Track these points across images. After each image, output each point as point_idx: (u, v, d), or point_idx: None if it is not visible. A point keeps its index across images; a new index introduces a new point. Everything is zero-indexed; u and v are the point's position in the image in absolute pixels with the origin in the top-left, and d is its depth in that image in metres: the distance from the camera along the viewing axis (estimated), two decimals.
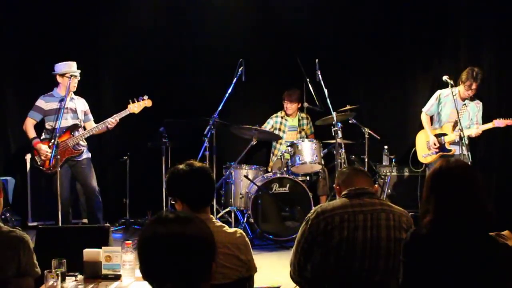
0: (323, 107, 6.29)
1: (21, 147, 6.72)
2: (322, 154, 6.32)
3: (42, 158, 5.51)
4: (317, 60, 6.01)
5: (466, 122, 5.88)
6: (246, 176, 6.17)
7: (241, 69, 6.08)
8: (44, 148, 5.50)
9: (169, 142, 6.21)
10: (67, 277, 2.81)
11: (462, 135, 5.45)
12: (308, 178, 6.44)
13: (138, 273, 2.79)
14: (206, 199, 2.65)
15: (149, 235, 1.62)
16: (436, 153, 5.99)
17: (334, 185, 3.09)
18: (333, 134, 5.97)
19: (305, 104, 6.90)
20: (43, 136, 5.65)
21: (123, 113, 5.68)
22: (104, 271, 2.91)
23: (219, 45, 7.18)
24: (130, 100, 5.71)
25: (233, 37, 7.20)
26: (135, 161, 6.85)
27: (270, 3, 7.17)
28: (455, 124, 5.78)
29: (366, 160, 6.57)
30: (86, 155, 5.77)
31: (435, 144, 5.96)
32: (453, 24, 6.94)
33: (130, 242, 2.98)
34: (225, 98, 6.04)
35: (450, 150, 5.91)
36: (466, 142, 5.86)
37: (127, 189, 6.81)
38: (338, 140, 5.91)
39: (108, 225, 4.05)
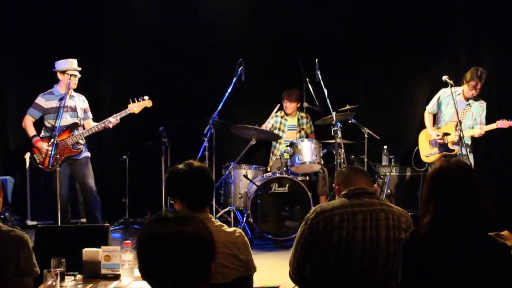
0: (322, 107, 6.30)
1: (20, 146, 6.73)
2: (321, 154, 6.32)
3: (42, 156, 5.50)
4: (316, 60, 6.01)
5: (469, 122, 5.83)
6: (245, 176, 6.17)
7: (240, 69, 6.08)
8: (44, 146, 5.49)
9: (169, 141, 6.21)
10: (66, 277, 2.81)
11: (461, 136, 5.42)
12: (307, 178, 6.44)
13: (137, 273, 2.78)
14: (205, 198, 2.65)
15: (148, 234, 1.62)
16: (439, 152, 5.95)
17: (333, 185, 3.08)
18: (332, 134, 5.97)
19: (305, 104, 6.90)
20: (42, 134, 5.63)
21: (123, 113, 5.67)
22: (103, 271, 2.91)
23: (219, 45, 7.18)
24: (130, 100, 5.70)
25: (233, 37, 7.20)
26: (135, 160, 6.85)
27: (270, 3, 7.16)
28: (458, 123, 5.72)
29: (366, 160, 6.58)
30: (85, 154, 5.76)
31: (438, 136, 5.88)
32: (453, 24, 6.93)
33: (129, 241, 2.98)
34: (224, 98, 6.04)
35: (453, 150, 5.81)
36: (469, 142, 5.84)
37: (126, 188, 6.81)
38: (338, 140, 5.91)
39: (108, 224, 4.05)
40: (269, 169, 6.77)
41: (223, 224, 2.63)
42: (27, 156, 6.43)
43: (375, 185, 6.58)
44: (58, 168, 5.36)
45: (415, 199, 6.27)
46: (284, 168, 6.27)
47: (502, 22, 6.51)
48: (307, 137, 6.82)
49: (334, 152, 6.00)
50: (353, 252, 2.69)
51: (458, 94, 5.80)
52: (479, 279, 2.12)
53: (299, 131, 6.89)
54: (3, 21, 6.75)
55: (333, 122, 5.94)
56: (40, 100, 5.64)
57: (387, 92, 7.30)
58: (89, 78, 6.20)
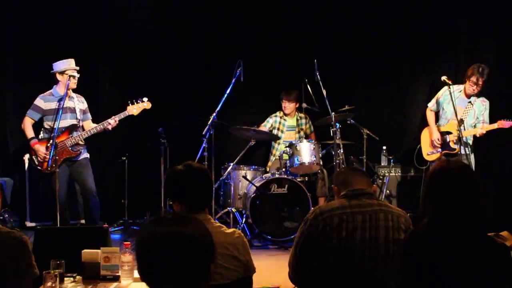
0: (321, 107, 6.30)
1: (19, 148, 6.72)
2: (320, 155, 6.32)
3: (39, 159, 5.50)
4: (315, 60, 6.01)
5: (471, 121, 5.78)
6: (244, 177, 6.17)
7: (239, 69, 6.08)
8: (42, 149, 5.49)
9: (168, 142, 6.21)
10: (65, 278, 2.81)
11: (460, 136, 5.40)
12: (306, 178, 6.44)
13: (136, 274, 2.78)
14: (205, 200, 2.65)
15: (147, 235, 1.62)
16: (441, 150, 5.90)
17: (332, 185, 3.08)
18: (331, 134, 5.98)
19: (304, 105, 6.90)
20: (41, 136, 5.63)
21: (122, 115, 5.67)
22: (102, 272, 2.90)
23: (218, 45, 7.18)
24: (129, 102, 5.70)
25: (232, 37, 7.20)
26: (134, 161, 6.85)
27: (270, 3, 7.16)
28: (460, 122, 5.70)
29: (365, 160, 6.58)
30: (84, 155, 5.75)
31: (438, 140, 5.86)
32: (453, 24, 6.94)
33: (129, 242, 2.98)
34: (223, 99, 6.05)
35: (454, 149, 5.76)
36: (470, 142, 5.82)
37: (125, 189, 6.81)
38: (337, 141, 5.91)
39: (107, 225, 4.04)
40: (268, 169, 6.78)
41: (222, 225, 2.63)
42: (26, 157, 6.43)
43: (374, 185, 6.59)
44: (57, 170, 5.35)
45: (414, 199, 6.27)
46: (283, 169, 6.27)
47: (502, 22, 6.51)
48: (307, 137, 6.83)
49: (333, 153, 6.00)
50: (352, 252, 2.69)
51: (460, 91, 5.77)
52: (478, 280, 2.12)
53: (298, 132, 6.90)
54: (2, 22, 6.74)
55: (332, 123, 5.94)
56: (39, 102, 5.63)
57: (386, 92, 7.31)
58: (88, 78, 6.20)
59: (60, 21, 6.85)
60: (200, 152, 6.01)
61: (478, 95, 5.79)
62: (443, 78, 5.57)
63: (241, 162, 6.45)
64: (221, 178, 6.38)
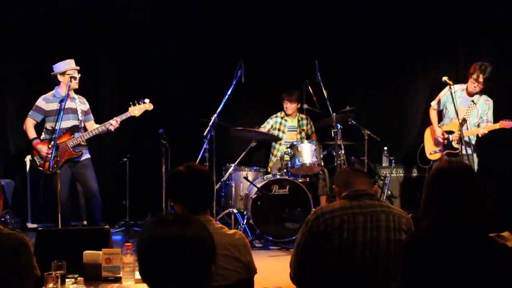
0: (322, 108, 6.30)
1: (20, 149, 6.73)
2: (321, 156, 6.31)
3: (42, 158, 5.50)
4: (316, 61, 6.01)
5: (475, 120, 5.74)
6: (245, 178, 6.17)
7: (240, 70, 6.08)
8: (44, 149, 5.50)
9: (169, 143, 6.21)
10: (67, 279, 2.81)
11: (462, 136, 5.38)
12: (308, 179, 6.44)
13: (138, 275, 2.78)
14: (206, 201, 2.65)
15: (148, 237, 1.62)
16: (443, 150, 5.89)
17: (333, 186, 3.08)
18: (332, 135, 5.98)
19: (305, 106, 6.90)
20: (43, 136, 5.64)
21: (124, 116, 5.68)
22: (104, 273, 2.91)
23: (219, 46, 7.18)
24: (130, 103, 5.71)
25: (233, 38, 7.20)
26: (135, 163, 6.85)
27: (270, 4, 7.17)
28: (463, 121, 5.70)
29: (366, 161, 6.57)
30: (86, 156, 5.76)
31: (442, 135, 5.82)
32: (453, 24, 6.94)
33: (130, 244, 2.97)
34: (224, 100, 6.05)
35: (457, 148, 5.73)
36: (473, 141, 5.80)
37: (126, 191, 6.81)
38: (338, 141, 5.91)
39: (108, 227, 4.04)
40: (269, 170, 6.78)
41: (224, 226, 2.64)
42: (28, 158, 6.44)
43: (375, 186, 6.58)
44: (59, 171, 5.35)
45: (415, 200, 6.26)
46: (284, 170, 6.27)
47: (502, 22, 6.51)
48: (308, 138, 6.82)
49: (334, 154, 6.00)
50: (353, 253, 2.69)
51: (462, 90, 5.76)
52: (479, 280, 2.12)
53: (300, 132, 6.90)
54: (2, 23, 6.75)
55: (333, 124, 5.94)
56: (41, 103, 5.64)
57: (387, 93, 7.31)
58: (89, 78, 6.20)
59: (61, 22, 6.86)
60: (201, 153, 6.01)
61: (480, 93, 5.74)
62: (444, 78, 5.56)
63: (242, 163, 6.45)
64: (222, 179, 6.38)
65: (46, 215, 6.23)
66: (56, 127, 5.40)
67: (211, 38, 7.19)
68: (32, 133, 5.61)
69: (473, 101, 5.76)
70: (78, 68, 5.64)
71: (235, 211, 6.19)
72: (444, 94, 5.91)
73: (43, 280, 2.63)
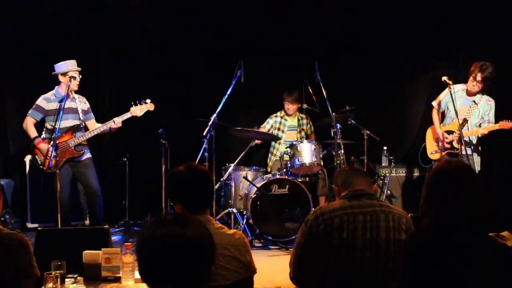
0: (322, 108, 6.30)
1: (20, 149, 6.73)
2: (321, 155, 6.31)
3: (44, 157, 5.49)
4: (316, 61, 6.01)
5: (476, 120, 5.72)
6: (245, 178, 6.17)
7: (240, 70, 6.08)
8: (45, 148, 5.49)
9: (168, 143, 6.20)
10: (66, 279, 2.81)
11: (461, 136, 5.38)
12: (307, 179, 6.44)
13: (138, 275, 2.78)
14: (206, 200, 2.65)
15: (148, 236, 1.62)
16: (444, 150, 5.88)
17: (332, 185, 3.08)
18: (332, 135, 5.98)
19: (304, 105, 6.90)
20: (43, 136, 5.64)
21: (125, 116, 5.69)
22: (103, 273, 2.91)
23: (219, 46, 7.18)
24: (132, 103, 5.71)
25: (232, 38, 7.20)
26: (135, 162, 6.85)
27: (270, 4, 7.16)
28: (464, 122, 5.69)
29: (366, 161, 6.57)
30: (87, 155, 5.77)
31: (444, 136, 5.80)
32: (453, 24, 6.93)
33: (130, 243, 2.97)
34: (224, 100, 6.05)
35: (457, 148, 5.71)
36: (474, 142, 5.80)
37: (126, 190, 6.81)
38: (338, 141, 5.91)
39: (108, 226, 4.04)
40: (268, 169, 6.78)
41: (224, 226, 2.63)
42: (27, 158, 6.43)
43: (375, 185, 6.59)
44: (58, 171, 5.35)
45: (415, 200, 6.26)
46: (284, 170, 6.27)
47: (502, 22, 6.51)
48: (307, 138, 6.82)
49: (334, 153, 6.00)
50: (353, 253, 2.69)
51: (463, 91, 5.75)
52: (479, 280, 2.12)
53: (299, 132, 6.90)
54: (2, 23, 6.75)
55: (332, 123, 5.94)
56: (41, 102, 5.64)
57: (386, 92, 7.31)
58: (89, 78, 6.20)
59: (61, 22, 6.85)
60: (200, 153, 6.01)
61: (482, 93, 5.72)
62: (444, 78, 5.55)
63: (241, 163, 6.45)
64: (222, 179, 6.38)
65: (46, 215, 6.23)
66: (56, 126, 5.40)
67: (211, 38, 7.19)
68: (33, 132, 5.61)
69: (474, 101, 5.74)
70: (79, 69, 5.64)
71: (234, 211, 6.19)
72: (445, 95, 5.90)
73: (43, 280, 2.63)
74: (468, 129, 5.68)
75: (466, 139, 5.61)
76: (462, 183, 2.26)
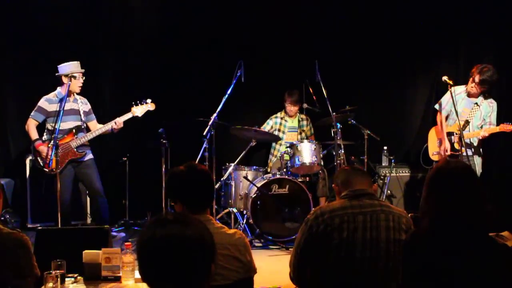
0: (322, 108, 6.30)
1: (20, 149, 6.73)
2: (321, 155, 6.32)
3: (44, 160, 5.50)
4: (316, 61, 6.01)
5: (478, 122, 5.70)
6: (245, 177, 6.17)
7: (240, 70, 6.08)
8: (45, 150, 5.50)
9: (169, 143, 6.20)
10: (66, 279, 2.81)
11: (462, 137, 5.37)
12: (307, 179, 6.44)
13: (138, 275, 2.78)
14: (206, 200, 2.65)
15: (148, 236, 1.62)
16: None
17: (333, 185, 3.08)
18: (332, 135, 5.97)
19: (305, 105, 6.90)
20: (44, 137, 5.64)
21: (126, 116, 5.69)
22: (103, 273, 2.91)
23: (219, 46, 7.18)
24: (133, 103, 5.71)
25: (233, 38, 7.20)
26: (135, 162, 6.85)
27: (270, 4, 7.16)
28: (466, 123, 5.65)
29: (366, 160, 6.57)
30: (89, 156, 5.77)
31: (446, 150, 5.77)
32: (453, 24, 6.94)
33: (130, 243, 2.98)
34: (224, 99, 6.05)
35: (458, 150, 5.67)
36: (475, 143, 5.79)
37: (126, 190, 6.81)
38: (338, 141, 5.91)
39: (108, 226, 4.04)
40: (268, 169, 6.78)
41: (224, 226, 2.64)
42: (28, 158, 6.43)
43: (375, 184, 6.59)
44: (58, 171, 5.35)
45: (415, 200, 6.26)
46: (284, 169, 6.27)
47: (502, 22, 6.50)
48: (307, 139, 6.82)
49: (334, 153, 6.00)
50: (353, 253, 2.69)
51: (464, 93, 5.74)
52: (479, 280, 2.12)
53: (300, 133, 6.90)
54: (2, 23, 6.75)
55: (333, 123, 5.94)
56: (43, 104, 5.64)
57: (387, 92, 7.31)
58: (89, 78, 6.20)
59: (62, 22, 6.85)
60: (201, 153, 6.01)
61: (485, 96, 5.69)
62: (444, 78, 5.54)
63: (242, 163, 6.45)
64: (222, 179, 6.38)
65: (46, 215, 6.22)
66: (56, 127, 5.40)
67: (211, 37, 7.18)
68: (34, 134, 5.61)
69: (476, 103, 5.72)
70: (83, 70, 5.65)
71: (235, 210, 6.19)
72: (448, 98, 5.88)
73: (43, 280, 2.62)
74: (469, 131, 5.67)
75: (467, 140, 5.60)
76: (462, 183, 2.26)
